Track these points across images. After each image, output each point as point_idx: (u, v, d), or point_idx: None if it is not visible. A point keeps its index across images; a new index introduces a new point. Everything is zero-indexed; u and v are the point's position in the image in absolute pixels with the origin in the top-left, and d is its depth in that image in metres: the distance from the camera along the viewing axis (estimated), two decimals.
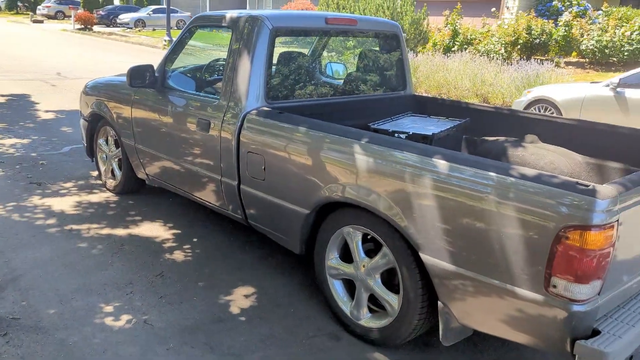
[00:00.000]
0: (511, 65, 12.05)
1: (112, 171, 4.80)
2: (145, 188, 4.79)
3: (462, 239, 2.28)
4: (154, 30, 29.91)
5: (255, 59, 3.32)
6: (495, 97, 10.69)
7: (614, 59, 14.71)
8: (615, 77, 7.92)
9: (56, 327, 2.86)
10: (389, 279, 2.75)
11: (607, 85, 7.88)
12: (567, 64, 15.01)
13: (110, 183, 4.81)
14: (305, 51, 4.18)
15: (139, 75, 3.86)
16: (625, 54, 14.34)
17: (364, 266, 2.77)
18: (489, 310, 2.29)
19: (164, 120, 3.86)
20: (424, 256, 2.43)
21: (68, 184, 4.99)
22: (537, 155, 3.54)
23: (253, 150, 3.20)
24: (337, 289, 2.98)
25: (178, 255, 3.71)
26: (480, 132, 3.93)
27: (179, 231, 4.10)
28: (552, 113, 8.39)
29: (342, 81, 4.14)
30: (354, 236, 2.81)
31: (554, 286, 2.04)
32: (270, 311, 3.11)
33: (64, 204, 4.52)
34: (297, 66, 3.79)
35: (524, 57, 14.63)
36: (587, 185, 2.01)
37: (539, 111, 8.57)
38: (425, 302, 2.55)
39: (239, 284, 3.37)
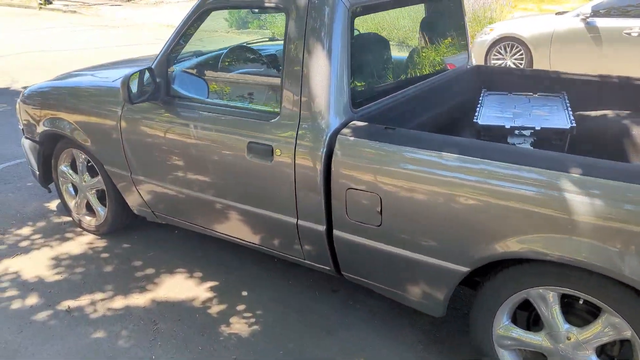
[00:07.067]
0: None
1: (88, 205, 3.61)
2: (136, 220, 3.66)
3: None
4: None
5: (334, 52, 2.33)
6: None
7: None
8: (585, 6, 7.51)
9: None
10: (603, 350, 2.05)
11: (577, 16, 7.47)
12: None
13: (89, 221, 3.62)
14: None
15: (138, 85, 2.73)
16: None
17: (568, 338, 2.03)
18: None
19: (180, 142, 2.77)
20: None
21: (25, 230, 3.71)
22: None
23: (357, 187, 2.27)
24: None
25: (238, 326, 2.75)
26: (577, 107, 3.23)
27: (216, 283, 3.11)
28: (520, 51, 7.93)
29: (404, 58, 3.21)
30: (550, 299, 2.04)
31: None
32: None
33: (37, 265, 3.31)
34: (374, 54, 2.82)
35: None
36: None
37: (505, 50, 8.08)
38: None
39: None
